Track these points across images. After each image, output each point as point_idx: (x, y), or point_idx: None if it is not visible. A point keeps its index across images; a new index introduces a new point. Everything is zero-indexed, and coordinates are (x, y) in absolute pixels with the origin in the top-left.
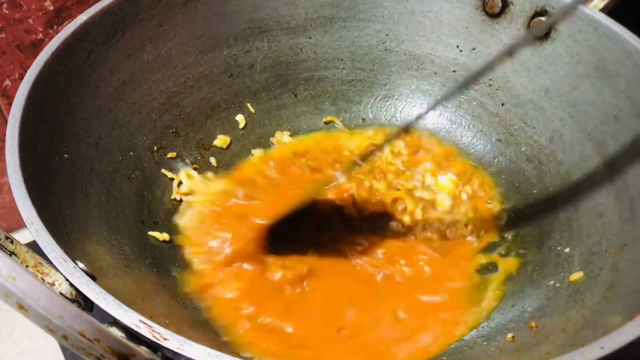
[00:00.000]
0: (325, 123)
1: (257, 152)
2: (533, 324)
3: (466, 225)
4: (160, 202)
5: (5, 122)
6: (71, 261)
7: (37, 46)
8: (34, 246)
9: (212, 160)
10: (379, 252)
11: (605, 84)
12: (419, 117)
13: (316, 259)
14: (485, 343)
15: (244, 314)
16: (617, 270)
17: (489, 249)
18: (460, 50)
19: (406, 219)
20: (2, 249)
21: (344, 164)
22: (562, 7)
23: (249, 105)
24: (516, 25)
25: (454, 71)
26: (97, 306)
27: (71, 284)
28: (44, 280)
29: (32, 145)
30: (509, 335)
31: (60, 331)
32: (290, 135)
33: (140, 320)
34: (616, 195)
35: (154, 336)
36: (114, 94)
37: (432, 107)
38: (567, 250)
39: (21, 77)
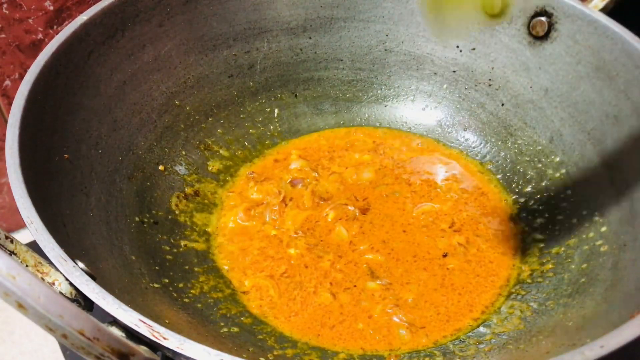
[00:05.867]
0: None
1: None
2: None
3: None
4: (160, 202)
5: (5, 122)
6: (71, 261)
7: (37, 46)
8: (34, 246)
9: (212, 160)
10: None
11: (605, 84)
12: (419, 117)
13: None
14: (482, 344)
15: None
16: (617, 270)
17: None
18: (460, 50)
19: None
20: (2, 249)
21: None
22: (562, 7)
23: (248, 105)
24: (516, 25)
25: (454, 71)
26: (97, 305)
27: (71, 284)
28: (43, 280)
29: (32, 145)
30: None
31: (60, 330)
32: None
33: (140, 320)
34: (616, 195)
35: (154, 335)
36: (114, 94)
37: (431, 108)
38: (567, 250)
39: (21, 77)
